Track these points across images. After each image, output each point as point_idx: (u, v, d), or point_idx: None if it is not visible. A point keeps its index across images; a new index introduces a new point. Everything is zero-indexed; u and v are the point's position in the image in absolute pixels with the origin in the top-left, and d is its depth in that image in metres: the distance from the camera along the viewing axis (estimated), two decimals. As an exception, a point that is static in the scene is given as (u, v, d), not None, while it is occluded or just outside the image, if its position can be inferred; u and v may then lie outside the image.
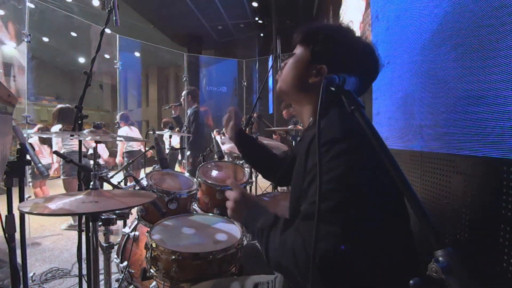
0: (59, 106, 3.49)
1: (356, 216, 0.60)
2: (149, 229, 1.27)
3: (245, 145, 1.24)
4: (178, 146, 4.44)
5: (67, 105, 3.51)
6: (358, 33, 0.87)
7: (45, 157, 3.89)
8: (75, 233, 3.38)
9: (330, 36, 0.80)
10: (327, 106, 0.74)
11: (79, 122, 1.39)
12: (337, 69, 0.74)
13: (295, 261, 0.62)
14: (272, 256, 0.69)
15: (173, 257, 1.09)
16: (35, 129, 4.17)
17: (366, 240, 0.60)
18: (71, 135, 1.50)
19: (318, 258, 0.57)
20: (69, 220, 3.60)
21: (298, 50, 0.85)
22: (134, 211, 1.57)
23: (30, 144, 1.15)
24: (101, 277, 1.37)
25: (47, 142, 4.01)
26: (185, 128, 3.99)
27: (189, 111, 4.09)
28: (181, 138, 4.43)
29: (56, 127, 3.24)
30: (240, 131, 1.23)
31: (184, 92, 4.22)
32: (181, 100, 4.19)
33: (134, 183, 1.51)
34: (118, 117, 4.30)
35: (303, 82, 0.82)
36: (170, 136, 2.92)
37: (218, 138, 2.36)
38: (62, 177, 3.38)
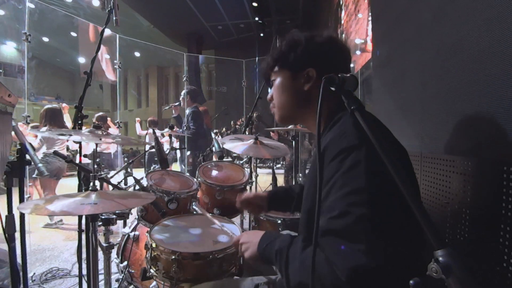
0: (46, 107, 3.51)
1: (380, 230, 0.58)
2: (149, 229, 1.27)
3: (278, 207, 1.20)
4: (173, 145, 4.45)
5: (54, 105, 3.53)
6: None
7: None
8: (75, 233, 3.38)
9: (294, 43, 0.82)
10: (337, 111, 0.74)
11: (79, 122, 1.39)
12: (322, 65, 0.78)
13: (318, 280, 0.59)
14: (293, 277, 0.66)
15: (173, 257, 1.09)
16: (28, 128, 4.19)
17: (391, 252, 0.58)
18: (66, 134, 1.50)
19: (345, 276, 0.55)
20: (47, 219, 3.63)
21: (276, 77, 0.86)
22: (134, 211, 1.57)
23: (30, 144, 1.15)
24: (101, 277, 1.37)
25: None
26: (184, 128, 3.99)
27: (187, 111, 4.08)
28: (181, 138, 4.42)
29: (44, 129, 3.26)
30: (269, 204, 1.16)
31: (183, 92, 4.22)
32: (181, 99, 4.19)
33: (134, 183, 1.51)
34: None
35: (299, 96, 0.82)
36: (170, 136, 2.92)
37: (218, 138, 2.36)
38: (34, 175, 3.32)
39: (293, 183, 3.72)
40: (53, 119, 3.44)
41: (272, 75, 0.87)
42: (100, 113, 4.72)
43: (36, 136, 3.60)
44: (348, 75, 0.60)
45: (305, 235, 0.76)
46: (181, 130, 4.01)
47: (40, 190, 3.90)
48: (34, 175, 3.33)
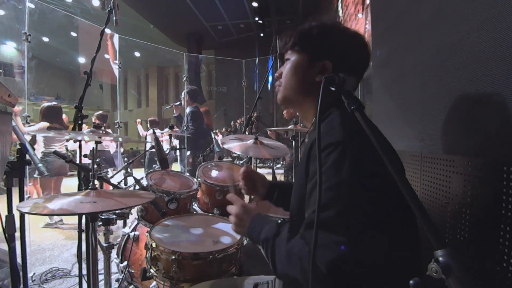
0: (46, 104, 3.51)
1: (360, 223, 0.59)
2: (149, 229, 1.27)
3: (279, 199, 1.09)
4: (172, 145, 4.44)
5: (54, 103, 3.54)
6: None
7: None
8: (75, 233, 3.38)
9: (325, 31, 0.79)
10: (327, 108, 0.74)
11: (79, 122, 1.39)
12: (340, 62, 0.76)
13: (303, 271, 0.61)
14: (279, 267, 0.68)
15: (173, 257, 1.09)
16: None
17: (372, 246, 0.59)
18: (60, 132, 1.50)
19: (325, 268, 0.56)
20: (47, 219, 3.62)
21: (292, 56, 0.83)
22: (134, 211, 1.57)
23: (30, 144, 1.15)
24: (101, 277, 1.37)
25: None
26: (184, 128, 3.98)
27: (187, 110, 4.07)
28: (180, 138, 4.41)
29: (41, 124, 3.26)
30: (270, 187, 1.09)
31: (184, 91, 4.21)
32: (181, 99, 4.18)
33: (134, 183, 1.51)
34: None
35: (307, 84, 0.80)
36: (170, 136, 2.92)
37: (218, 138, 2.36)
38: (35, 175, 3.33)
39: (293, 183, 3.71)
40: (52, 117, 3.44)
41: (289, 53, 0.83)
42: (100, 112, 4.72)
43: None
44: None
45: (293, 224, 0.76)
46: (180, 130, 4.01)
47: (39, 190, 3.91)
48: (35, 175, 3.33)
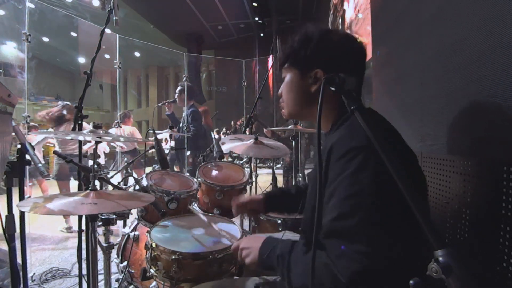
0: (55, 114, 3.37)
1: (382, 233, 0.58)
2: (149, 229, 1.27)
3: (276, 208, 1.18)
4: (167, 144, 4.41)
5: (67, 103, 3.50)
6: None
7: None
8: (75, 233, 3.38)
9: (307, 41, 0.78)
10: (346, 110, 0.73)
11: (79, 122, 1.39)
12: (331, 67, 0.74)
13: (319, 282, 0.59)
14: (295, 281, 0.65)
15: (173, 257, 1.09)
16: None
17: (391, 254, 0.58)
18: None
19: (347, 278, 0.55)
20: (63, 223, 3.52)
21: (286, 73, 0.85)
22: (134, 211, 1.57)
23: (30, 144, 1.15)
24: (101, 277, 1.37)
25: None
26: (185, 128, 3.97)
27: (185, 110, 4.03)
28: (178, 140, 4.37)
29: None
30: (266, 206, 1.14)
31: (178, 89, 4.13)
32: (175, 97, 4.10)
33: (134, 183, 1.51)
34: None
35: (306, 96, 0.80)
36: (170, 136, 2.91)
37: (218, 138, 2.36)
38: (52, 177, 3.32)
39: (293, 183, 3.72)
40: (60, 123, 3.39)
41: (283, 71, 0.86)
42: (124, 111, 4.73)
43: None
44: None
45: (307, 239, 0.75)
46: (176, 129, 3.97)
47: (45, 190, 3.91)
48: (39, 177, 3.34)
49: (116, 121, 4.36)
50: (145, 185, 1.53)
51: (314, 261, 0.56)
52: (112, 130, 4.59)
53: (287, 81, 0.84)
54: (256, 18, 8.97)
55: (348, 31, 4.27)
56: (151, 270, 1.17)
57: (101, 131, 1.20)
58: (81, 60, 10.54)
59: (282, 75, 0.87)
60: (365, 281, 0.56)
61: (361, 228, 0.57)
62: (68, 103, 3.48)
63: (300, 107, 0.84)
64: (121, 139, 2.62)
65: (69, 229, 3.48)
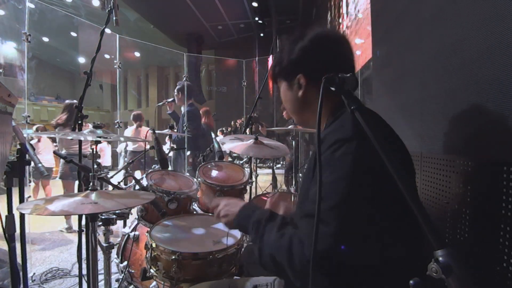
0: (69, 101, 3.46)
1: (352, 218, 0.60)
2: (149, 229, 1.27)
3: None
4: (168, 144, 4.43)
5: (74, 101, 3.50)
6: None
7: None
8: (75, 233, 3.38)
9: (285, 50, 0.83)
10: (339, 109, 0.76)
11: (79, 122, 1.39)
12: (312, 71, 0.78)
13: (290, 258, 0.62)
14: (266, 250, 0.69)
15: (173, 257, 1.09)
16: (33, 129, 4.21)
17: (364, 241, 0.60)
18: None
19: (309, 255, 0.57)
20: (64, 223, 3.54)
21: (280, 86, 0.89)
22: (134, 211, 1.57)
23: (30, 144, 1.15)
24: (101, 277, 1.37)
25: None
26: (185, 127, 3.96)
27: (183, 108, 4.01)
28: (178, 141, 4.34)
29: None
30: None
31: (176, 88, 4.12)
32: (175, 96, 4.09)
33: (134, 183, 1.51)
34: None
35: (298, 103, 0.84)
36: (170, 136, 2.91)
37: (218, 138, 2.36)
38: (58, 177, 3.38)
39: (293, 183, 3.72)
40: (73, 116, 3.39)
41: (278, 84, 0.90)
42: (137, 111, 4.78)
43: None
44: (348, 75, 0.59)
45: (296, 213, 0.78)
46: (176, 129, 3.95)
47: (48, 190, 3.92)
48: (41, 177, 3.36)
49: (138, 122, 4.44)
50: (145, 185, 1.53)
51: (315, 259, 0.56)
52: (129, 131, 4.61)
53: (281, 93, 0.89)
54: (256, 18, 8.97)
55: (347, 31, 4.27)
56: (151, 270, 1.17)
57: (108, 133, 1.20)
58: (81, 60, 10.54)
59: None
60: (324, 261, 0.58)
61: (332, 210, 0.60)
62: (68, 101, 3.50)
63: (298, 114, 0.88)
64: (121, 139, 2.62)
65: (69, 229, 3.48)
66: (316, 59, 0.78)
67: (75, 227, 3.45)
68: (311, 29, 0.82)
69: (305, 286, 0.58)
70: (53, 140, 4.56)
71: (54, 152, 1.50)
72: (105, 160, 5.17)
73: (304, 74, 0.79)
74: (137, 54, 11.11)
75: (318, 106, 0.58)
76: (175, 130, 2.62)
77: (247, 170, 1.94)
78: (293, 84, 0.82)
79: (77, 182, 3.35)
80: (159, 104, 3.94)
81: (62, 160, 3.40)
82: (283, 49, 0.84)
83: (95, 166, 1.13)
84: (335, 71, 0.79)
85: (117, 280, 1.62)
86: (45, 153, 4.17)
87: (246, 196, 1.87)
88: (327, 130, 0.73)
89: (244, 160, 2.28)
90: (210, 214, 1.58)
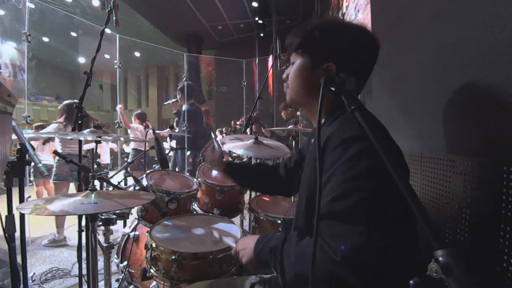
0: (66, 102, 3.26)
1: (378, 214, 0.59)
2: (149, 229, 1.27)
3: (237, 175, 1.20)
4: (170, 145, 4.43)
5: (75, 100, 3.45)
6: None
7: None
8: (75, 233, 3.37)
9: (327, 32, 0.77)
10: (339, 107, 0.74)
11: (79, 122, 1.39)
12: (344, 62, 0.74)
13: (316, 266, 0.59)
14: (288, 270, 0.65)
15: (173, 257, 1.09)
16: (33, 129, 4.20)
17: (387, 238, 0.59)
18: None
19: (341, 257, 0.56)
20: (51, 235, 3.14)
21: (296, 59, 0.82)
22: (134, 211, 1.57)
23: (30, 144, 1.15)
24: (101, 277, 1.37)
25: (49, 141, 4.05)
26: (185, 127, 3.96)
27: (183, 108, 4.01)
28: (178, 140, 4.35)
29: (54, 125, 3.15)
30: (227, 165, 1.19)
31: (178, 88, 4.15)
32: (177, 96, 4.12)
33: (134, 183, 1.51)
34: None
35: (313, 86, 0.78)
36: (170, 136, 2.91)
37: (218, 138, 2.36)
38: (52, 180, 3.11)
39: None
40: (72, 116, 3.27)
41: (293, 55, 0.83)
42: (139, 111, 4.72)
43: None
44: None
45: (301, 228, 0.76)
46: (179, 129, 3.96)
47: (50, 190, 3.90)
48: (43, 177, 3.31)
49: (145, 123, 4.46)
50: (145, 185, 1.53)
51: (316, 246, 0.55)
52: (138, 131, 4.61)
53: (296, 67, 0.82)
54: (256, 18, 8.96)
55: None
56: (151, 270, 1.17)
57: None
58: (81, 60, 10.53)
59: (290, 60, 0.84)
60: (359, 260, 0.56)
61: (357, 208, 0.58)
62: (67, 101, 3.39)
63: (304, 95, 0.82)
64: (122, 138, 2.61)
65: (52, 243, 3.03)
66: (357, 57, 0.76)
67: (67, 234, 3.18)
68: (357, 22, 0.79)
69: None
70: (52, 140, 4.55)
71: (54, 152, 1.50)
72: (104, 158, 5.15)
73: (337, 66, 0.75)
74: (137, 54, 11.11)
75: (318, 106, 0.58)
76: (176, 130, 2.62)
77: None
78: (319, 67, 0.76)
79: (71, 185, 3.31)
80: (165, 103, 3.99)
81: (56, 161, 3.20)
82: (327, 27, 0.77)
83: (95, 166, 1.13)
84: (365, 74, 0.80)
85: (117, 280, 1.62)
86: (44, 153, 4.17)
87: (246, 196, 1.86)
88: (330, 128, 0.71)
89: (244, 160, 2.28)
90: (210, 214, 1.58)
